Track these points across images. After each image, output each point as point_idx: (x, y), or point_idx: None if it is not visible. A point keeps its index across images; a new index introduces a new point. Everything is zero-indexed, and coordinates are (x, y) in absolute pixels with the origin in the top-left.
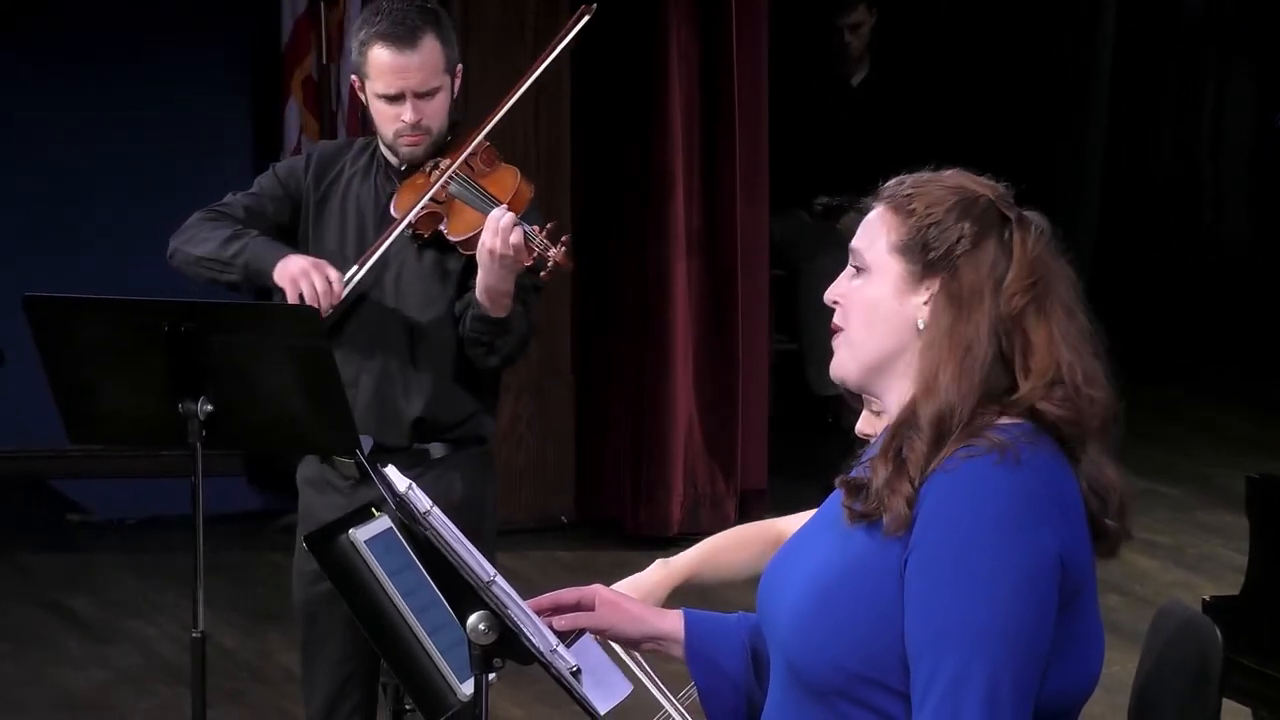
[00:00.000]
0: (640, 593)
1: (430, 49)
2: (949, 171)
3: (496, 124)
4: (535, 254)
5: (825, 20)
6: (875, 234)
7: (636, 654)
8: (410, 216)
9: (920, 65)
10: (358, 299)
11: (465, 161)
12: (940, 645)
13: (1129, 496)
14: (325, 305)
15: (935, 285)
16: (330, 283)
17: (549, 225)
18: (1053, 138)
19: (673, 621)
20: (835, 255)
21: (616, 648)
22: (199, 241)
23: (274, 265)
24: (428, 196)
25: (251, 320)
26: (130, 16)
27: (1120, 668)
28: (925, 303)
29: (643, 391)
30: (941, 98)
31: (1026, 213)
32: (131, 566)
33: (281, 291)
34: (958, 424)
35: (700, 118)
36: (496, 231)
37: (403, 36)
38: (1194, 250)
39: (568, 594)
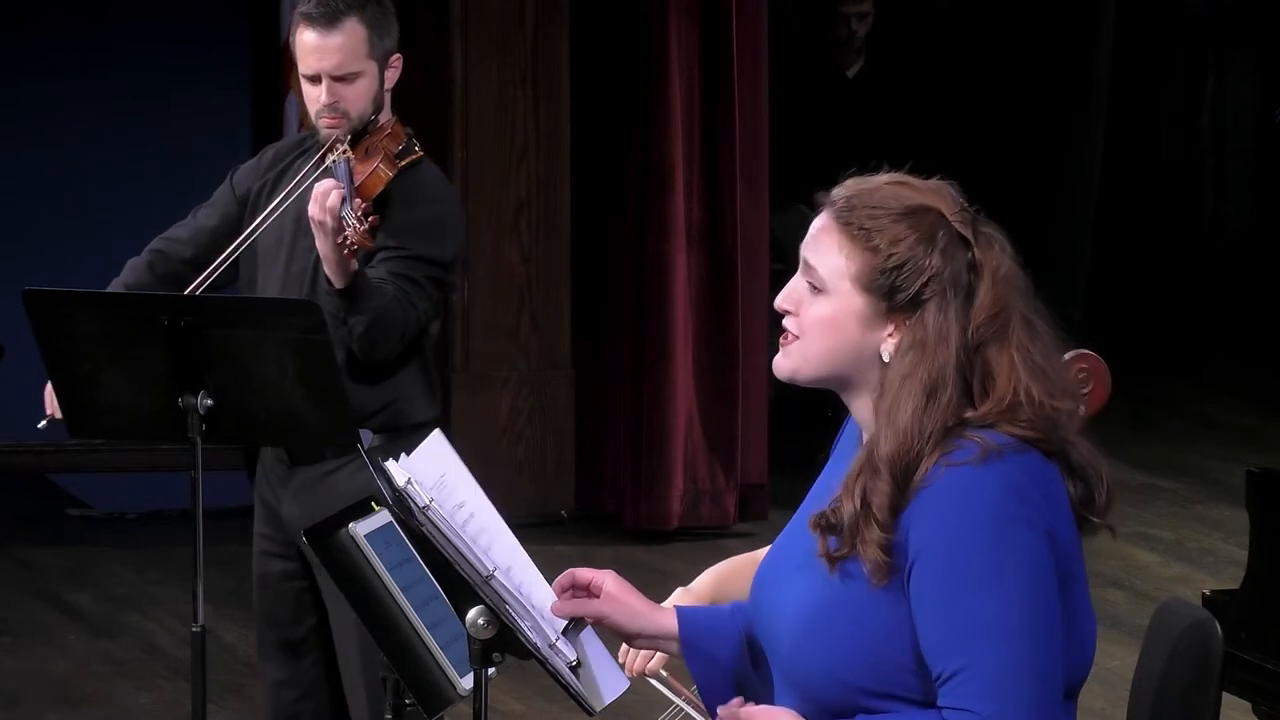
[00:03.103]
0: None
1: (352, 32)
2: (890, 181)
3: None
4: (344, 229)
5: (828, 9)
6: (826, 250)
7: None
8: (294, 189)
9: (919, 59)
10: (262, 282)
11: (363, 144)
12: (955, 645)
13: (1103, 464)
14: None
15: (903, 323)
16: None
17: (364, 206)
18: (1053, 135)
19: (670, 619)
20: None
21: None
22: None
23: None
24: (314, 175)
25: (251, 314)
26: (130, 16)
27: (1120, 662)
28: (890, 335)
29: (642, 385)
30: (941, 92)
31: (983, 228)
32: (131, 561)
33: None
34: (917, 456)
35: (700, 110)
36: (315, 198)
37: (321, 18)
38: (1194, 248)
39: (583, 573)
